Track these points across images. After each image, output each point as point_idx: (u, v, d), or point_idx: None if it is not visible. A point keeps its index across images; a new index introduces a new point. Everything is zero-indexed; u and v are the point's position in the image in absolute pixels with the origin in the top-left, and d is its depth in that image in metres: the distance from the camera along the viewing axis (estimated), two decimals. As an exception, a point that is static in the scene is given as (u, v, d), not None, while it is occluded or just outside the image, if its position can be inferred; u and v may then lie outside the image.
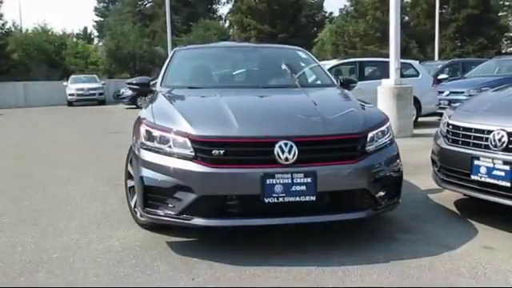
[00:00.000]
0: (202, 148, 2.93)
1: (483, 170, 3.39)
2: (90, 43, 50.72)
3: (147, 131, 3.20)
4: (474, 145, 3.51)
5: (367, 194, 3.08)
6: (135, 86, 4.34)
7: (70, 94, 24.02)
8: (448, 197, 4.35)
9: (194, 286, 2.66)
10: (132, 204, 3.73)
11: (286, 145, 2.90)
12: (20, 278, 2.79)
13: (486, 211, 3.84)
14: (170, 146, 3.05)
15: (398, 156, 3.35)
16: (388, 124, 3.39)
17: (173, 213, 2.99)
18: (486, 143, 3.42)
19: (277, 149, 2.90)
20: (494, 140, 3.35)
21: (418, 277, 2.73)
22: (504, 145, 3.29)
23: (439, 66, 13.79)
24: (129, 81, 4.44)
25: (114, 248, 3.24)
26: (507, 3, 45.79)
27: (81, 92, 23.99)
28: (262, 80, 4.22)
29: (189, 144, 2.97)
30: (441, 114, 11.67)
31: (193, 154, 2.95)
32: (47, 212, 4.15)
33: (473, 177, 3.46)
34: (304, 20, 40.12)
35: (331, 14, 54.25)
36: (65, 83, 25.10)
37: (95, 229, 3.66)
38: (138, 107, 21.09)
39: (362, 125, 3.17)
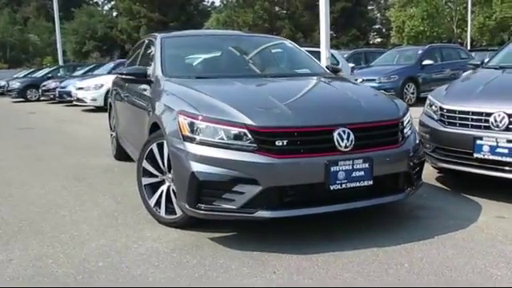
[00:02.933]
0: (265, 139, 2.87)
1: (486, 148, 3.77)
2: None
3: (191, 123, 3.02)
4: (473, 126, 3.89)
5: (407, 175, 3.27)
6: (130, 77, 4.01)
7: None
8: (427, 175, 4.73)
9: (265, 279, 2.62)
10: (151, 203, 3.51)
11: (344, 132, 2.97)
12: (84, 292, 2.50)
13: (469, 185, 4.28)
14: (221, 138, 2.93)
15: (420, 140, 3.59)
16: (409, 110, 3.61)
17: (234, 207, 2.88)
18: (485, 124, 3.81)
19: (336, 136, 2.95)
20: (496, 121, 3.74)
21: (471, 248, 2.98)
22: (505, 125, 3.69)
23: (345, 56, 14.69)
24: (120, 71, 4.10)
25: (159, 250, 3.02)
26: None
27: (-47, 85, 21.21)
28: (268, 69, 4.20)
29: (249, 135, 2.88)
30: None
31: (254, 145, 2.87)
32: (40, 219, 3.71)
33: (475, 155, 3.83)
34: (189, 8, 39.76)
35: (213, 3, 54.42)
36: None
37: (116, 232, 3.38)
38: (28, 100, 19.30)
39: (399, 110, 3.35)
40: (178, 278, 2.64)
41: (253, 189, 2.84)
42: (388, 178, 3.17)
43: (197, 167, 2.92)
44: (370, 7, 50.70)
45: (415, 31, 39.24)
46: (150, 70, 4.09)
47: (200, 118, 3.01)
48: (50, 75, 19.69)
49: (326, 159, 2.90)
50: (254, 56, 4.43)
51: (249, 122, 2.90)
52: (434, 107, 4.35)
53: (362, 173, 2.98)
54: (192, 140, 3.00)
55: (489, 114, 3.81)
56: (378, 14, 53.25)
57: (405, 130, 3.31)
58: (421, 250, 2.95)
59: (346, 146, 2.96)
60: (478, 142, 3.82)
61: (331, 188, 2.90)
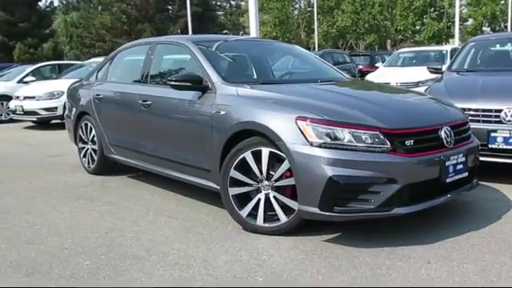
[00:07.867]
0: (397, 140, 3.05)
1: (500, 139, 4.45)
2: None
3: (317, 128, 3.05)
4: (485, 121, 4.55)
5: (474, 168, 3.73)
6: (186, 84, 3.74)
7: None
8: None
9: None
10: (244, 213, 3.41)
11: (447, 130, 3.30)
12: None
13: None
14: (350, 141, 3.03)
15: None
16: None
17: (372, 206, 3.01)
18: (496, 119, 4.49)
19: (443, 134, 3.27)
20: (507, 116, 4.44)
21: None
22: (516, 119, 4.42)
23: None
24: (169, 77, 3.78)
25: (296, 258, 2.98)
26: (219, 3, 51.68)
27: None
28: (312, 74, 4.32)
29: (381, 137, 3.03)
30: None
31: (387, 145, 3.03)
32: (116, 244, 3.30)
33: (490, 146, 4.49)
34: (39, 8, 36.40)
35: (52, 3, 50.54)
36: None
37: (222, 247, 3.20)
38: None
39: (461, 111, 3.81)
40: (356, 278, 2.68)
41: (390, 187, 3.00)
42: (471, 169, 3.58)
43: (334, 171, 2.96)
44: (219, 12, 52.23)
45: (269, 36, 41.73)
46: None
47: (326, 122, 3.06)
48: None
49: (440, 155, 3.20)
50: (295, 61, 4.51)
51: (380, 124, 3.05)
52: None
53: (462, 166, 3.36)
54: (321, 145, 3.02)
55: (499, 111, 4.49)
56: (224, 19, 55.12)
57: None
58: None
59: (450, 143, 3.29)
60: (493, 134, 4.48)
61: (447, 181, 3.21)
